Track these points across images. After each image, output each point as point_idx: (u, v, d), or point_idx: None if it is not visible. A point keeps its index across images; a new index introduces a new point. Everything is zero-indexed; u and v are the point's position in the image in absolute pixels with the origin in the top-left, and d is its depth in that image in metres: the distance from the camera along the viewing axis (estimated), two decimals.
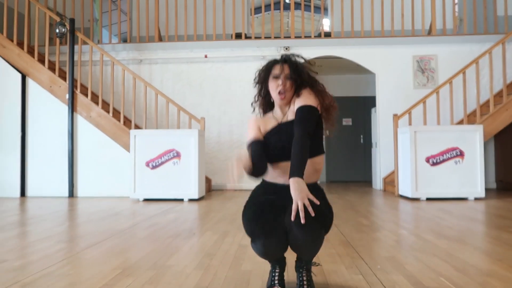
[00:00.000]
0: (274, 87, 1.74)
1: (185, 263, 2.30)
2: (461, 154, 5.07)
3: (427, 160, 5.09)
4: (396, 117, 5.64)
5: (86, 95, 5.97)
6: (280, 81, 1.72)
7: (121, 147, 5.76)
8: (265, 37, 6.84)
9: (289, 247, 1.68)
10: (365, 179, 8.63)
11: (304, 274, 1.73)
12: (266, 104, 1.87)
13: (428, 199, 5.06)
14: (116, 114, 6.23)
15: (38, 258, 2.41)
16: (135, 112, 6.06)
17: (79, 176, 5.85)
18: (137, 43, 6.87)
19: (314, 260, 1.81)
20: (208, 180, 6.49)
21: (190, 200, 5.24)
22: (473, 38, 6.51)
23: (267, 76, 1.78)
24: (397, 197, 5.48)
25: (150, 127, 6.34)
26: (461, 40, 6.55)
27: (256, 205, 1.70)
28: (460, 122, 6.05)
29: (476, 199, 5.05)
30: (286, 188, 1.62)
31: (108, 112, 5.90)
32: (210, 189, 6.52)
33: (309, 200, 1.52)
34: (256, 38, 6.86)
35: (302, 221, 1.48)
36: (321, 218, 1.59)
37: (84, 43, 6.15)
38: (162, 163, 5.28)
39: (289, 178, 1.55)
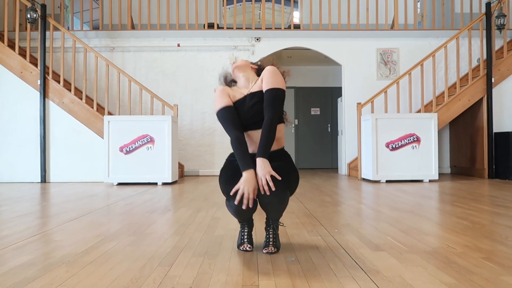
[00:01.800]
0: (234, 73, 2.11)
1: (162, 231, 2.52)
2: (417, 140, 5.49)
3: (387, 145, 5.48)
4: (359, 106, 6.01)
5: (58, 82, 5.99)
6: (232, 66, 2.09)
7: (94, 133, 5.85)
8: (237, 28, 7.04)
9: (259, 208, 1.95)
10: (332, 166, 9.04)
11: (271, 232, 2.00)
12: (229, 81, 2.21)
13: (387, 181, 5.46)
14: (89, 101, 6.29)
15: (22, 229, 2.56)
16: (108, 99, 6.13)
17: (51, 162, 5.90)
18: (109, 30, 6.91)
19: (281, 221, 2.08)
20: (181, 166, 6.67)
21: (164, 183, 5.42)
22: (432, 33, 6.96)
23: (229, 79, 2.18)
24: (359, 180, 5.86)
25: (123, 113, 6.44)
26: (421, 34, 6.98)
27: (231, 170, 1.94)
28: (419, 111, 6.49)
29: (430, 181, 5.49)
30: (254, 156, 1.89)
31: (81, 98, 5.96)
32: (183, 175, 6.70)
33: (278, 164, 1.84)
34: (228, 28, 7.05)
35: (267, 192, 1.76)
36: (286, 183, 1.86)
37: (56, 29, 6.15)
38: (136, 148, 5.42)
39: (256, 157, 1.81)
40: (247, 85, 2.05)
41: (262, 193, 1.77)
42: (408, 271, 1.66)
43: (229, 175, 1.91)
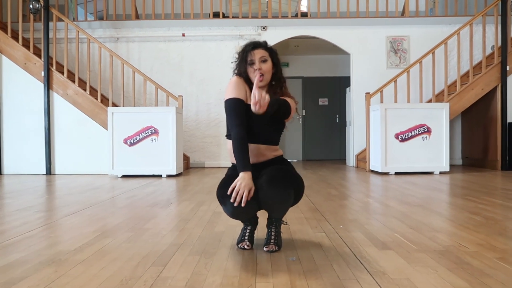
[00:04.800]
0: (252, 72, 1.83)
1: (161, 226, 2.44)
2: (428, 131, 5.33)
3: (396, 136, 5.33)
4: (368, 96, 5.85)
5: (62, 73, 5.93)
6: (255, 66, 1.82)
7: (99, 124, 5.79)
8: (243, 17, 6.89)
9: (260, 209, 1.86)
10: (340, 157, 8.90)
11: (273, 230, 1.91)
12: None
13: (396, 173, 5.32)
14: (93, 92, 6.22)
15: (19, 224, 2.50)
16: (113, 90, 6.06)
17: (56, 154, 5.87)
18: (113, 20, 6.82)
19: (284, 219, 1.97)
20: (186, 158, 6.60)
21: (168, 176, 5.35)
22: (445, 20, 6.73)
23: (244, 66, 1.85)
24: (368, 172, 5.73)
25: (127, 105, 6.36)
26: (433, 21, 6.76)
27: (227, 177, 1.86)
28: (429, 101, 6.30)
29: (441, 173, 5.34)
30: (254, 166, 1.80)
31: (85, 90, 5.89)
32: (188, 167, 6.63)
33: (279, 166, 1.80)
34: (234, 17, 6.91)
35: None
36: (290, 180, 1.77)
37: (59, 20, 6.07)
38: (140, 140, 5.35)
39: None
40: None
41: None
42: (417, 273, 1.55)
43: (225, 180, 1.83)
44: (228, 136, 1.88)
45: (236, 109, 1.80)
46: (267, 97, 1.62)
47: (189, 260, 1.74)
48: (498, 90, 5.86)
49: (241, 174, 1.71)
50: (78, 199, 3.52)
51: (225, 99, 1.86)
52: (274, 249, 1.86)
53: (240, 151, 1.73)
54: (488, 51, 6.50)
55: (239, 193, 1.67)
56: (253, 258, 1.78)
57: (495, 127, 5.90)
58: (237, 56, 1.91)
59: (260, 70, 1.81)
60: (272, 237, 1.90)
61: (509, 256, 1.75)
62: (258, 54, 1.84)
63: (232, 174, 1.86)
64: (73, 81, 5.90)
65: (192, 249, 1.92)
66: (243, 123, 1.78)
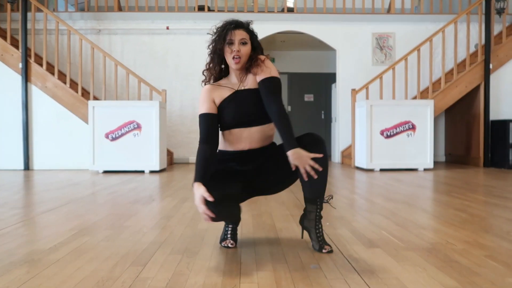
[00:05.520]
0: (229, 53, 1.72)
1: (142, 223, 2.36)
2: (413, 128, 5.34)
3: (382, 133, 5.33)
4: (354, 92, 5.83)
5: (41, 65, 5.74)
6: (234, 47, 1.71)
7: (80, 118, 5.63)
8: (229, 11, 6.78)
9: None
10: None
11: (318, 227, 1.77)
12: (218, 72, 1.83)
13: (381, 170, 5.33)
14: (74, 85, 6.04)
15: None
16: (94, 84, 5.90)
17: (35, 149, 5.69)
18: (95, 12, 6.63)
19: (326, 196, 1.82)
20: (170, 153, 6.48)
21: (151, 171, 5.24)
22: (430, 18, 6.75)
23: (221, 44, 1.73)
24: (353, 168, 5.73)
25: (109, 99, 6.20)
26: (418, 19, 6.78)
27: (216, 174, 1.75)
28: (414, 98, 6.33)
29: (425, 169, 5.36)
30: (247, 153, 1.74)
31: (65, 83, 5.72)
32: (172, 162, 6.52)
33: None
34: (219, 11, 6.79)
35: (314, 176, 1.64)
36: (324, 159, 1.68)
37: (38, 10, 5.87)
38: (122, 134, 5.22)
39: (288, 150, 1.62)
40: (237, 80, 1.80)
41: (306, 179, 1.65)
42: (406, 272, 1.51)
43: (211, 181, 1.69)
44: (223, 127, 1.78)
45: (203, 124, 1.74)
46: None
47: (170, 260, 1.67)
48: (481, 88, 5.91)
49: (194, 186, 1.59)
50: (56, 196, 3.40)
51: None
52: (331, 249, 1.76)
53: (199, 164, 1.66)
54: (472, 49, 6.55)
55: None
56: (237, 257, 1.71)
57: (478, 124, 5.96)
58: (214, 30, 1.79)
59: (238, 53, 1.71)
60: (321, 235, 1.78)
61: (497, 253, 1.73)
62: (239, 35, 1.72)
63: (224, 169, 1.78)
64: (53, 74, 5.72)
65: (173, 248, 1.84)
66: (209, 137, 1.72)
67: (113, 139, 5.22)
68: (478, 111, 5.96)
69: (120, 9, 6.79)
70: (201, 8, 6.84)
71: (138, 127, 5.22)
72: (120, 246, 1.86)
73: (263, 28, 6.71)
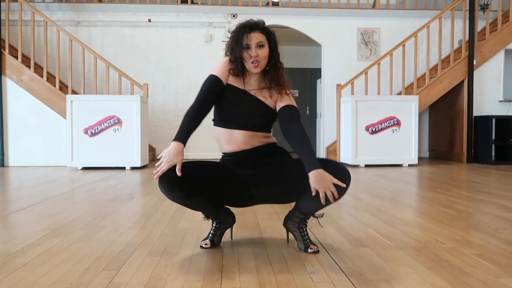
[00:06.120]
0: (247, 58, 1.65)
1: (120, 223, 2.24)
2: (398, 123, 5.32)
3: (367, 128, 5.30)
4: (339, 87, 5.78)
5: (16, 57, 5.51)
6: (251, 52, 1.63)
7: (57, 113, 5.43)
8: (212, 4, 6.65)
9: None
10: None
11: (304, 228, 1.73)
12: (240, 70, 1.72)
13: (366, 165, 5.30)
14: (51, 79, 5.83)
15: None
16: (72, 78, 5.70)
17: (10, 145, 5.47)
18: (74, 3, 6.40)
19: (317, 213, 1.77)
20: (152, 149, 6.33)
21: (133, 168, 5.09)
22: (414, 13, 6.75)
23: (240, 51, 1.64)
24: None
25: (89, 93, 6.01)
26: (403, 14, 6.76)
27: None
28: (399, 94, 6.32)
29: (410, 165, 5.36)
30: (237, 155, 1.66)
31: (42, 76, 5.50)
32: (154, 158, 6.37)
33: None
34: (203, 4, 6.65)
35: (331, 202, 1.52)
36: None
37: (13, 0, 5.62)
38: (102, 130, 5.05)
39: (310, 171, 1.51)
40: (251, 82, 1.71)
41: (324, 203, 1.51)
42: (395, 273, 1.44)
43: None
44: (215, 122, 1.71)
45: (207, 85, 1.67)
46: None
47: (147, 262, 1.57)
48: (465, 84, 5.93)
49: (171, 144, 1.56)
50: (30, 193, 3.24)
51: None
52: (317, 249, 1.70)
53: (187, 120, 1.61)
54: (456, 45, 6.57)
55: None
56: (219, 258, 1.62)
57: (461, 120, 5.99)
58: (229, 35, 1.71)
59: (256, 57, 1.64)
60: (305, 234, 1.72)
61: (487, 252, 1.68)
62: (255, 38, 1.64)
63: (215, 164, 1.72)
64: (29, 67, 5.50)
65: (151, 249, 1.74)
66: (207, 100, 1.65)
67: (92, 134, 5.05)
68: (462, 107, 5.98)
69: (100, 0, 6.58)
70: (184, 1, 6.69)
71: (119, 122, 5.06)
72: (94, 248, 1.75)
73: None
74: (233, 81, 1.70)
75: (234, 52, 1.66)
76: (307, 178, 1.50)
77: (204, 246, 1.76)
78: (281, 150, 1.77)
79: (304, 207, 1.67)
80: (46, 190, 3.44)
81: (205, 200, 1.67)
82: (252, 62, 1.64)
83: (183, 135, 1.59)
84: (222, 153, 1.75)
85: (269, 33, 1.70)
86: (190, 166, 1.63)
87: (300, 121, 1.67)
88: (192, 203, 1.65)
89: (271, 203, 1.80)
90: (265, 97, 1.70)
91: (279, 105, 1.69)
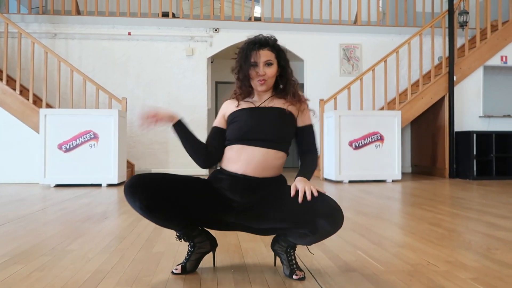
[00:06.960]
0: (254, 76, 1.58)
1: (89, 246, 2.06)
2: (381, 139, 5.29)
3: (350, 144, 5.24)
4: (322, 102, 5.73)
5: None
6: (258, 70, 1.56)
7: (30, 128, 5.19)
8: (194, 17, 6.57)
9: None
10: (293, 165, 8.76)
11: (292, 253, 1.60)
12: (247, 93, 1.66)
13: (350, 181, 5.22)
14: (25, 92, 5.61)
15: None
16: (48, 91, 5.49)
17: None
18: (51, 15, 6.23)
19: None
20: (130, 165, 6.12)
21: (109, 185, 4.88)
22: (395, 30, 6.82)
23: (248, 69, 1.57)
24: (321, 180, 5.59)
25: (64, 107, 5.79)
26: (384, 31, 6.82)
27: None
28: (382, 109, 6.32)
29: (393, 181, 5.30)
30: (238, 178, 1.53)
31: (15, 89, 5.28)
32: (132, 175, 6.15)
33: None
34: (184, 17, 6.57)
35: (309, 198, 1.38)
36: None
37: None
38: (77, 145, 4.84)
39: (296, 177, 1.51)
40: (259, 99, 1.65)
41: (301, 200, 1.38)
42: None
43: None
44: (228, 142, 1.61)
45: (208, 134, 1.69)
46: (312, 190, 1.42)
47: None
48: (446, 99, 5.97)
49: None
50: None
51: None
52: (304, 275, 1.56)
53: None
54: (436, 61, 6.65)
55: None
56: (196, 286, 1.47)
57: (443, 135, 6.00)
58: (237, 52, 1.63)
59: (263, 77, 1.57)
60: (292, 259, 1.58)
61: (483, 276, 1.58)
62: (264, 56, 1.56)
63: (196, 179, 1.59)
64: (1, 79, 5.27)
65: (121, 277, 1.57)
66: (207, 143, 1.66)
67: (67, 150, 4.83)
68: (443, 122, 6.01)
69: (78, 13, 6.43)
70: (165, 15, 6.59)
71: (95, 137, 4.86)
72: (56, 277, 1.57)
73: (230, 36, 6.55)
74: (232, 109, 1.65)
75: (243, 71, 1.59)
76: (291, 216, 1.43)
77: (174, 271, 1.61)
78: (281, 179, 1.64)
79: (293, 239, 1.55)
80: (13, 209, 3.22)
81: (170, 216, 1.51)
82: (259, 80, 1.57)
83: (185, 123, 1.64)
84: (222, 170, 1.60)
85: (279, 51, 1.62)
86: (165, 178, 1.51)
87: (315, 145, 1.69)
88: (153, 217, 1.49)
89: (248, 232, 1.65)
90: (278, 104, 1.63)
91: (303, 119, 1.66)
